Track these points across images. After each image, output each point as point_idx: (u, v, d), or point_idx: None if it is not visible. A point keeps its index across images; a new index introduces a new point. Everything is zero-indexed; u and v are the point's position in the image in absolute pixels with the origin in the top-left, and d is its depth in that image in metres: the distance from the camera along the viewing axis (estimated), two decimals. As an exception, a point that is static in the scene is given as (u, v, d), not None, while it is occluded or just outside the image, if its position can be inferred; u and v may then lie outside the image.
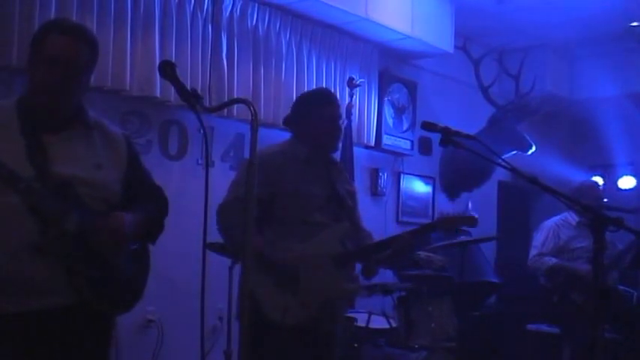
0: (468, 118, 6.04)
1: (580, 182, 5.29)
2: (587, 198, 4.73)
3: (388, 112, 6.08)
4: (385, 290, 4.04)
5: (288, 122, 3.22)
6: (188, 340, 4.12)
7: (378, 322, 4.25)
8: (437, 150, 6.51)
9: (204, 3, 4.58)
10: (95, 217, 2.18)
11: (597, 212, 2.60)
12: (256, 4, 4.92)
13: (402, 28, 5.57)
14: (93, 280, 2.17)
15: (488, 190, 7.02)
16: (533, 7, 6.01)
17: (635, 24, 6.24)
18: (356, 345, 4.10)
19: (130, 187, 2.35)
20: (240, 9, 4.82)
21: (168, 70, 2.18)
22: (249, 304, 2.24)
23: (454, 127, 2.66)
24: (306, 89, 4.97)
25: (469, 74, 6.25)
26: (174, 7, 4.40)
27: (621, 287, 5.04)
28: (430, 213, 6.57)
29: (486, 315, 5.93)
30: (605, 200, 5.48)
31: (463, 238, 4.94)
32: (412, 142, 6.30)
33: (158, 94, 4.28)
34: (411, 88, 6.34)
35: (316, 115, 3.10)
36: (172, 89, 2.76)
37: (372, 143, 5.85)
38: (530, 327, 5.78)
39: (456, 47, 6.10)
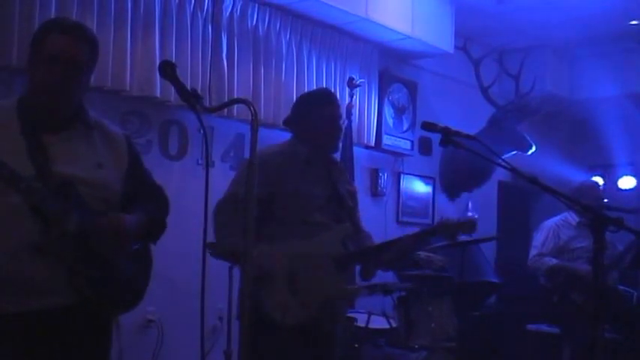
0: (468, 118, 6.04)
1: (580, 182, 5.30)
2: (587, 198, 4.73)
3: (388, 113, 6.08)
4: (385, 290, 4.03)
5: (289, 122, 3.22)
6: (188, 340, 4.12)
7: (378, 322, 4.25)
8: (437, 150, 6.51)
9: (204, 3, 4.58)
10: (96, 217, 2.18)
11: (597, 212, 2.60)
12: (256, 5, 4.92)
13: (402, 28, 5.57)
14: (93, 280, 2.16)
15: (489, 190, 7.02)
16: (533, 7, 6.01)
17: (634, 22, 6.24)
18: (356, 345, 4.10)
19: (131, 186, 2.35)
20: (241, 9, 4.82)
21: (168, 70, 2.18)
22: (249, 303, 2.24)
23: (454, 128, 2.66)
24: (306, 89, 4.97)
25: (469, 74, 6.25)
26: (174, 7, 4.40)
27: (621, 287, 5.04)
28: (430, 213, 6.57)
29: (486, 315, 5.94)
30: (605, 200, 5.48)
31: (463, 238, 4.94)
32: (412, 142, 6.30)
33: (158, 94, 4.28)
34: (411, 89, 6.34)
35: (316, 115, 3.10)
36: (172, 89, 2.76)
37: (372, 143, 5.85)
38: (530, 327, 5.78)
39: (456, 47, 6.10)
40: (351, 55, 5.65)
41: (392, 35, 5.63)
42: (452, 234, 3.25)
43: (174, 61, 2.77)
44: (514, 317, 5.95)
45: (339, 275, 2.98)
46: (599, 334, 2.53)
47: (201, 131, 2.98)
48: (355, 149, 5.44)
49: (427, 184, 6.60)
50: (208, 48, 4.60)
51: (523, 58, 6.30)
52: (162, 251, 2.50)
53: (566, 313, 4.90)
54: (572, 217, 5.04)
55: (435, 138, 2.74)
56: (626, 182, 7.34)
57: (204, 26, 4.59)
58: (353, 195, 3.25)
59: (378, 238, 3.35)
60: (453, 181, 6.67)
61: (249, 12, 4.87)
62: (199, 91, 2.57)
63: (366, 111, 5.74)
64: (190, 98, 2.16)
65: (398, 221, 6.25)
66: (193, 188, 4.20)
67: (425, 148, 6.53)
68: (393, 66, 6.15)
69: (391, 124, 6.09)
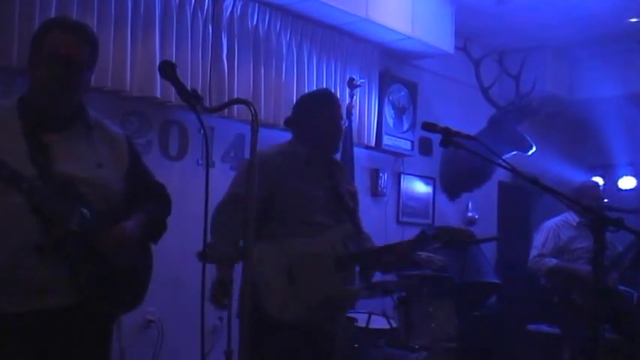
0: (468, 118, 6.04)
1: (580, 183, 5.31)
2: (588, 198, 4.73)
3: (388, 113, 6.07)
4: (385, 290, 4.04)
5: (289, 123, 3.22)
6: (188, 340, 4.12)
7: (378, 323, 4.25)
8: (437, 150, 6.51)
9: (204, 3, 4.58)
10: (98, 217, 2.18)
11: (598, 213, 2.61)
12: (257, 5, 4.91)
13: (402, 28, 5.57)
14: (94, 279, 2.17)
15: (489, 191, 7.02)
16: (533, 7, 6.02)
17: (634, 19, 6.24)
18: (356, 345, 4.10)
19: (132, 186, 2.35)
20: (241, 9, 4.82)
21: (168, 70, 2.18)
22: (249, 303, 2.24)
23: (454, 128, 2.66)
24: (306, 90, 4.98)
25: (469, 75, 6.25)
26: (174, 8, 4.40)
27: (621, 287, 5.04)
28: (430, 213, 6.58)
29: (486, 315, 5.93)
30: (606, 201, 5.49)
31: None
32: (412, 142, 6.29)
33: (158, 95, 4.28)
34: (412, 89, 6.34)
35: (317, 115, 3.10)
36: (173, 89, 2.76)
37: (373, 144, 5.85)
38: (530, 327, 5.78)
39: (456, 48, 6.10)
40: (352, 56, 5.65)
41: (392, 35, 5.63)
42: (449, 243, 3.25)
43: (174, 61, 2.77)
44: (514, 317, 5.95)
45: (339, 275, 2.98)
46: (599, 334, 2.54)
47: (202, 131, 2.99)
48: (355, 149, 5.44)
49: (427, 184, 6.60)
50: (208, 48, 4.60)
51: (523, 58, 6.30)
52: (162, 251, 2.51)
53: (566, 313, 4.91)
54: (572, 218, 5.04)
55: (436, 138, 2.74)
56: (627, 182, 7.34)
57: (205, 26, 4.59)
58: (354, 195, 3.25)
59: (378, 239, 3.35)
60: (454, 181, 6.67)
61: (250, 12, 4.87)
62: (199, 91, 2.57)
63: (366, 111, 5.74)
64: (190, 98, 2.16)
65: (398, 221, 6.25)
66: (193, 188, 4.20)
67: (425, 148, 6.53)
68: (393, 66, 6.15)
69: (391, 125, 6.09)
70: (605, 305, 2.50)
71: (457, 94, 6.69)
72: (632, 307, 5.03)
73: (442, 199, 6.72)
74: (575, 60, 7.27)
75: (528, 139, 6.29)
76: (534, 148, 6.27)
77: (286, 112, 3.39)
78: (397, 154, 6.22)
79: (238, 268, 2.43)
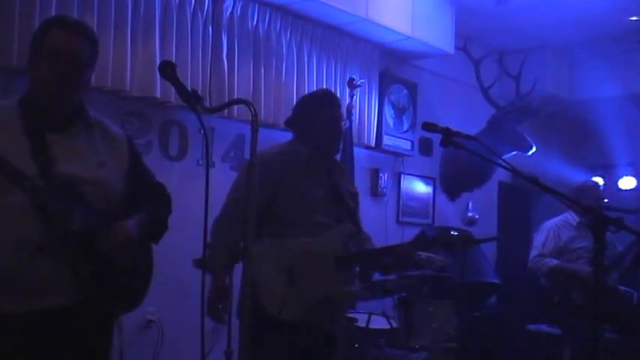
0: (468, 118, 6.04)
1: (580, 183, 5.30)
2: (588, 198, 4.73)
3: (388, 113, 6.08)
4: (386, 290, 4.04)
5: (290, 123, 3.22)
6: (188, 340, 4.13)
7: (379, 323, 4.25)
8: (437, 150, 6.51)
9: (204, 3, 4.58)
10: (99, 216, 2.18)
11: (598, 213, 2.61)
12: (257, 5, 4.92)
13: (402, 28, 5.57)
14: (95, 279, 2.17)
15: (489, 191, 7.03)
16: (533, 7, 6.02)
17: (634, 18, 6.24)
18: (356, 345, 4.10)
19: (133, 186, 2.35)
20: (241, 9, 4.82)
21: (168, 70, 2.18)
22: (249, 303, 2.24)
23: (454, 128, 2.66)
24: (306, 90, 4.98)
25: (469, 75, 6.26)
26: (174, 8, 4.40)
27: (621, 287, 5.04)
28: (431, 213, 6.58)
29: (486, 315, 5.94)
30: (606, 201, 5.48)
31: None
32: (412, 142, 6.29)
33: (158, 95, 4.28)
34: (412, 89, 6.34)
35: (318, 116, 3.10)
36: (173, 90, 2.77)
37: (373, 144, 5.85)
38: (530, 327, 5.78)
39: (456, 48, 6.10)
40: (352, 56, 5.65)
41: (392, 36, 5.63)
42: (450, 246, 3.25)
43: (174, 61, 2.77)
44: (514, 317, 5.95)
45: (339, 275, 2.98)
46: (599, 334, 2.54)
47: (202, 132, 2.99)
48: (355, 149, 5.44)
49: (427, 184, 6.60)
50: (209, 48, 4.60)
51: (523, 58, 6.30)
52: (162, 251, 2.50)
53: (566, 313, 4.90)
54: (572, 218, 5.04)
55: (436, 138, 2.74)
56: (627, 183, 7.34)
57: (205, 27, 4.59)
58: (354, 196, 3.25)
59: (378, 239, 3.35)
60: (454, 181, 6.67)
61: (250, 12, 4.87)
62: (199, 91, 2.57)
63: (366, 111, 5.74)
64: (190, 98, 2.16)
65: (398, 221, 6.25)
66: (193, 189, 4.18)
67: (425, 148, 6.53)
68: (393, 66, 6.15)
69: (391, 125, 6.09)
70: (605, 305, 2.50)
71: (457, 94, 6.69)
72: (632, 307, 5.03)
73: (442, 199, 6.73)
74: (575, 60, 7.27)
75: (528, 139, 6.29)
76: (534, 149, 6.27)
77: (286, 112, 3.39)
78: (397, 154, 6.22)
79: (238, 268, 2.43)
